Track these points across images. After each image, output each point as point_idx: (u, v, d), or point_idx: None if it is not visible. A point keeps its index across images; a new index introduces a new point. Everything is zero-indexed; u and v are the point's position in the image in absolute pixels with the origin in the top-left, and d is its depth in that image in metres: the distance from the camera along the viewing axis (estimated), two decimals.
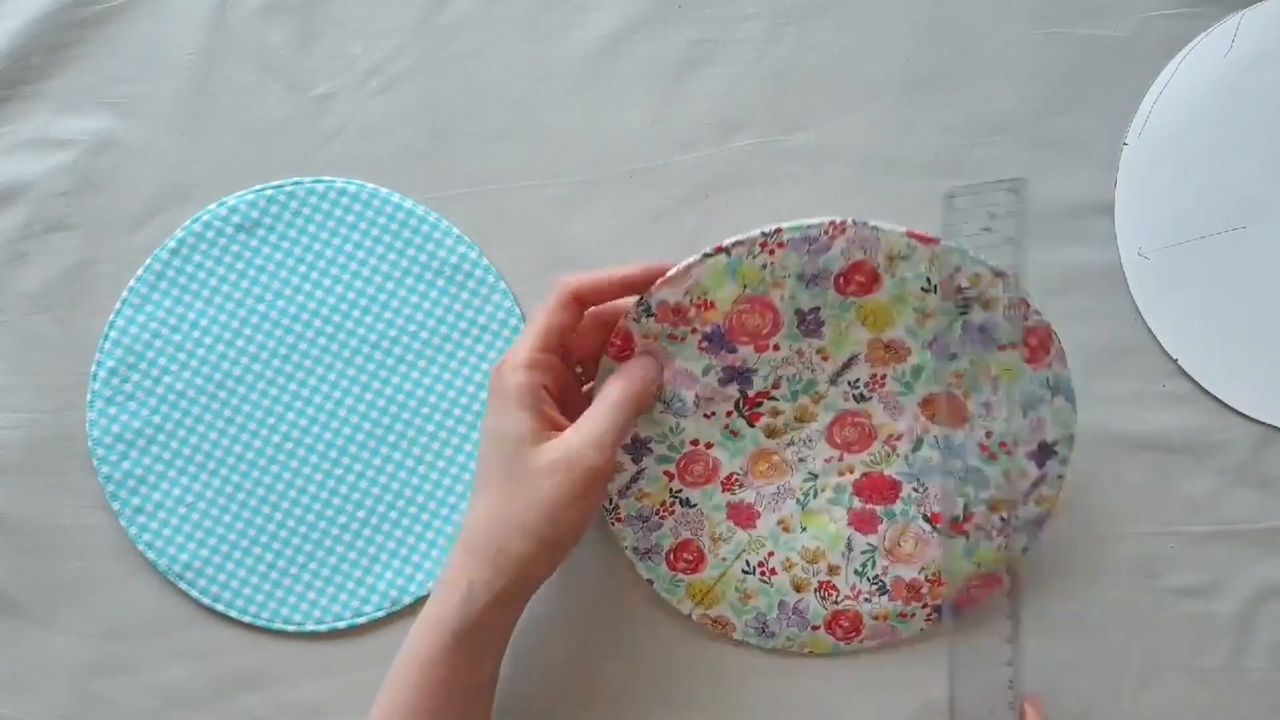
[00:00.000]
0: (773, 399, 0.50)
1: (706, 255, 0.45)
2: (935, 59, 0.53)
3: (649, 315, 0.46)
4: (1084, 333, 0.52)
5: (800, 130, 0.53)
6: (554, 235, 0.54)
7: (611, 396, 0.45)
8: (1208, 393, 0.51)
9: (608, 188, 0.54)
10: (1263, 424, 0.51)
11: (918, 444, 0.50)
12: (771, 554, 0.51)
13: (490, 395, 0.45)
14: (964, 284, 0.46)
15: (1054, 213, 0.52)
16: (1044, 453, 0.48)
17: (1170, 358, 0.52)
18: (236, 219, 0.54)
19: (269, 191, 0.54)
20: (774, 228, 0.45)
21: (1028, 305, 0.46)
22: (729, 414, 0.50)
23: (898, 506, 0.51)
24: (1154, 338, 0.52)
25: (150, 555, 0.54)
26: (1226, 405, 0.51)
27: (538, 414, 0.44)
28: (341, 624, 0.53)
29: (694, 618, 0.52)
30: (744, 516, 0.51)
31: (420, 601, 0.53)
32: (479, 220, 0.54)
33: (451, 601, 0.44)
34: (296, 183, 0.54)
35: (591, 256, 0.54)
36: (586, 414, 0.45)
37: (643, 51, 0.54)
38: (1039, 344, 0.47)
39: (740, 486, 0.51)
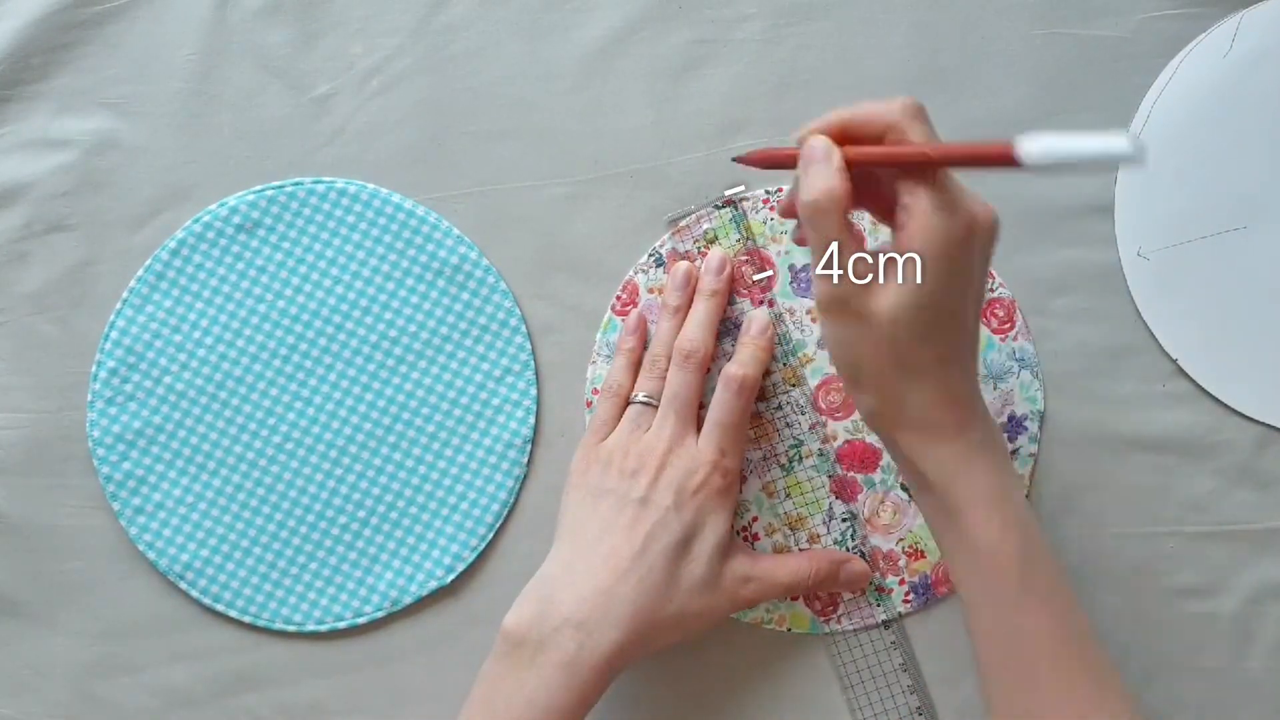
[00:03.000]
0: None
1: (716, 207, 0.51)
2: (935, 59, 0.53)
3: (658, 265, 0.52)
4: (1084, 333, 0.52)
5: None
6: (554, 235, 0.54)
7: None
8: (1207, 393, 0.51)
9: (608, 188, 0.54)
10: (1262, 424, 0.51)
11: None
12: (755, 519, 0.52)
13: (718, 494, 0.48)
14: None
15: (1053, 213, 0.52)
16: (1015, 427, 0.51)
17: (1170, 358, 0.52)
18: (237, 219, 0.54)
19: (269, 192, 0.54)
20: (776, 187, 0.52)
21: (993, 276, 0.51)
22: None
23: (877, 475, 0.52)
24: (1154, 338, 0.52)
25: (150, 555, 0.54)
26: (1226, 405, 0.51)
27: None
28: (341, 624, 0.53)
29: None
30: None
31: (421, 602, 0.53)
32: (479, 220, 0.54)
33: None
34: (297, 183, 0.54)
35: (592, 256, 0.54)
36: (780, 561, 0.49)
37: (643, 51, 0.54)
38: (1006, 315, 0.51)
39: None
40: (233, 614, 0.53)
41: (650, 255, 0.52)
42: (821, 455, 0.52)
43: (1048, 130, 0.34)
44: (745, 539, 0.52)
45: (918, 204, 0.37)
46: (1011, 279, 0.52)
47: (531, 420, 0.53)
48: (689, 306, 0.51)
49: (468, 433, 0.53)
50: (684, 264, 0.51)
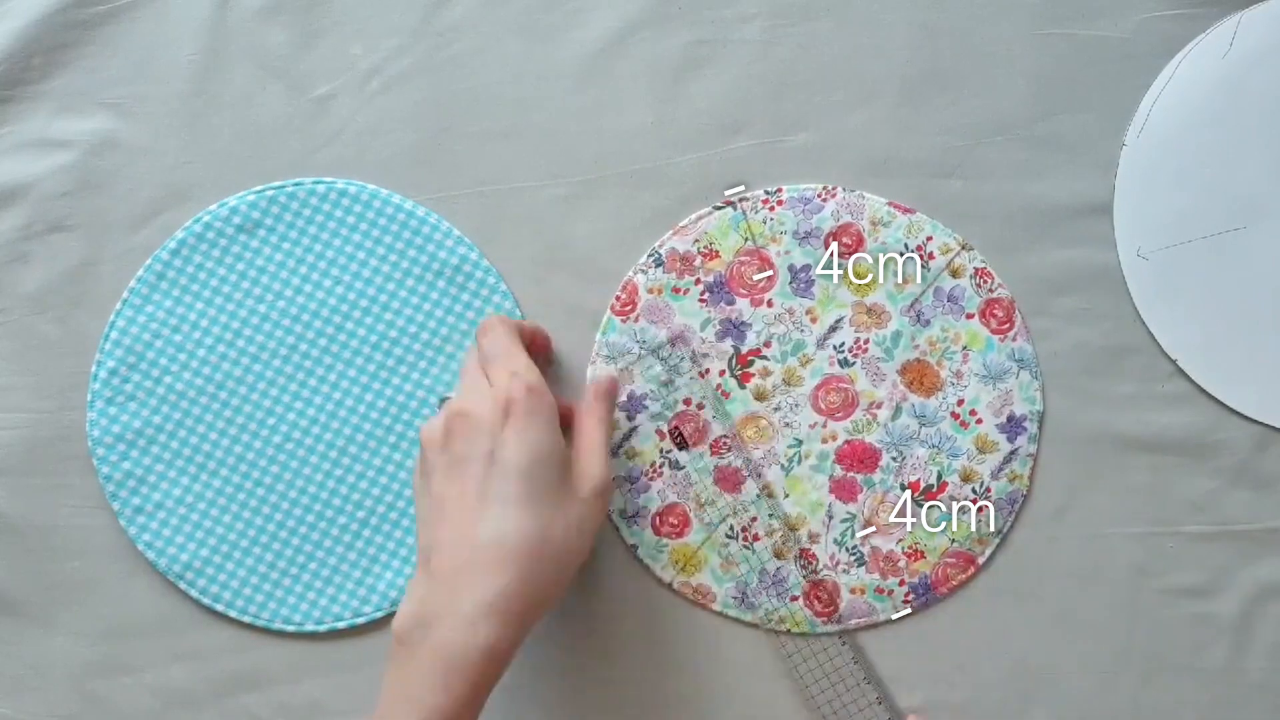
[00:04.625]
0: (763, 358, 0.52)
1: (716, 208, 0.52)
2: (935, 59, 0.53)
3: (658, 265, 0.52)
4: (1083, 333, 0.52)
5: (800, 130, 0.53)
6: (554, 235, 0.54)
7: (602, 415, 0.48)
8: (1207, 393, 0.52)
9: (608, 188, 0.54)
10: (1262, 424, 0.51)
11: (896, 412, 0.52)
12: (755, 519, 0.52)
13: (524, 414, 0.44)
14: (935, 251, 0.52)
15: (1053, 213, 0.52)
16: (1014, 426, 0.51)
17: (1169, 358, 0.52)
18: (237, 220, 0.54)
19: (269, 192, 0.54)
20: (775, 187, 0.52)
21: (991, 276, 0.52)
22: (721, 373, 0.52)
23: (877, 475, 0.52)
24: (1153, 338, 0.52)
25: (150, 555, 0.54)
26: (1226, 405, 0.51)
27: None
28: (341, 624, 0.53)
29: (675, 586, 0.52)
30: (730, 481, 0.52)
31: None
32: (479, 220, 0.54)
33: (463, 668, 0.41)
34: (297, 183, 0.54)
35: (591, 256, 0.54)
36: (591, 434, 0.47)
37: (643, 52, 0.54)
38: (1005, 315, 0.52)
39: (728, 450, 0.52)
40: (233, 614, 0.53)
41: (650, 255, 0.52)
42: (821, 456, 0.52)
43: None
44: (745, 539, 0.52)
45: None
46: (1011, 279, 0.52)
47: None
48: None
49: None
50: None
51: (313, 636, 0.53)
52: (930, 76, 0.53)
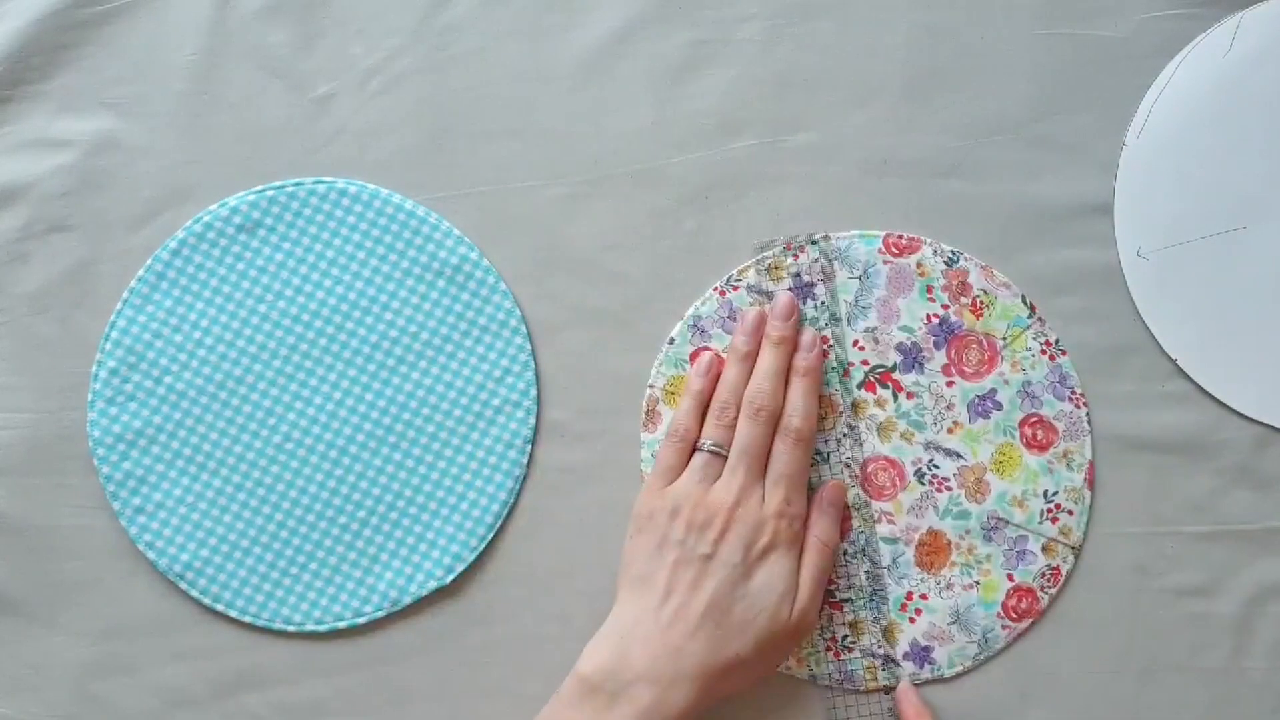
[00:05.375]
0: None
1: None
2: (935, 59, 0.53)
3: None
4: (1083, 333, 0.52)
5: (800, 130, 0.53)
6: (554, 235, 0.54)
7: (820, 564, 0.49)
8: (1207, 393, 0.51)
9: (608, 188, 0.54)
10: (1262, 424, 0.51)
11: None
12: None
13: (783, 549, 0.48)
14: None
15: (1053, 213, 0.52)
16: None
17: (1169, 358, 0.52)
18: (237, 220, 0.54)
19: (270, 192, 0.54)
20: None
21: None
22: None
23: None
24: (1153, 338, 0.52)
25: (150, 555, 0.54)
26: (1226, 405, 0.51)
27: None
28: (341, 624, 0.53)
29: None
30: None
31: (420, 602, 0.53)
32: (479, 220, 0.54)
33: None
34: (297, 183, 0.54)
35: (591, 257, 0.54)
36: (811, 565, 0.49)
37: (643, 51, 0.54)
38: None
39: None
40: (233, 614, 0.53)
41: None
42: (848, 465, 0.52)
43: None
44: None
45: None
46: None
47: (531, 420, 0.53)
48: (757, 352, 0.51)
49: (468, 433, 0.53)
50: (754, 309, 0.52)
51: (313, 636, 0.53)
52: (930, 76, 0.53)
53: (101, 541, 0.54)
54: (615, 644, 0.46)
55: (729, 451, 0.49)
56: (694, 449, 0.50)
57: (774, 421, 0.49)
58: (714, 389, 0.51)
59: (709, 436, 0.50)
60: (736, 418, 0.50)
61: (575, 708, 0.46)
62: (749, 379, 0.50)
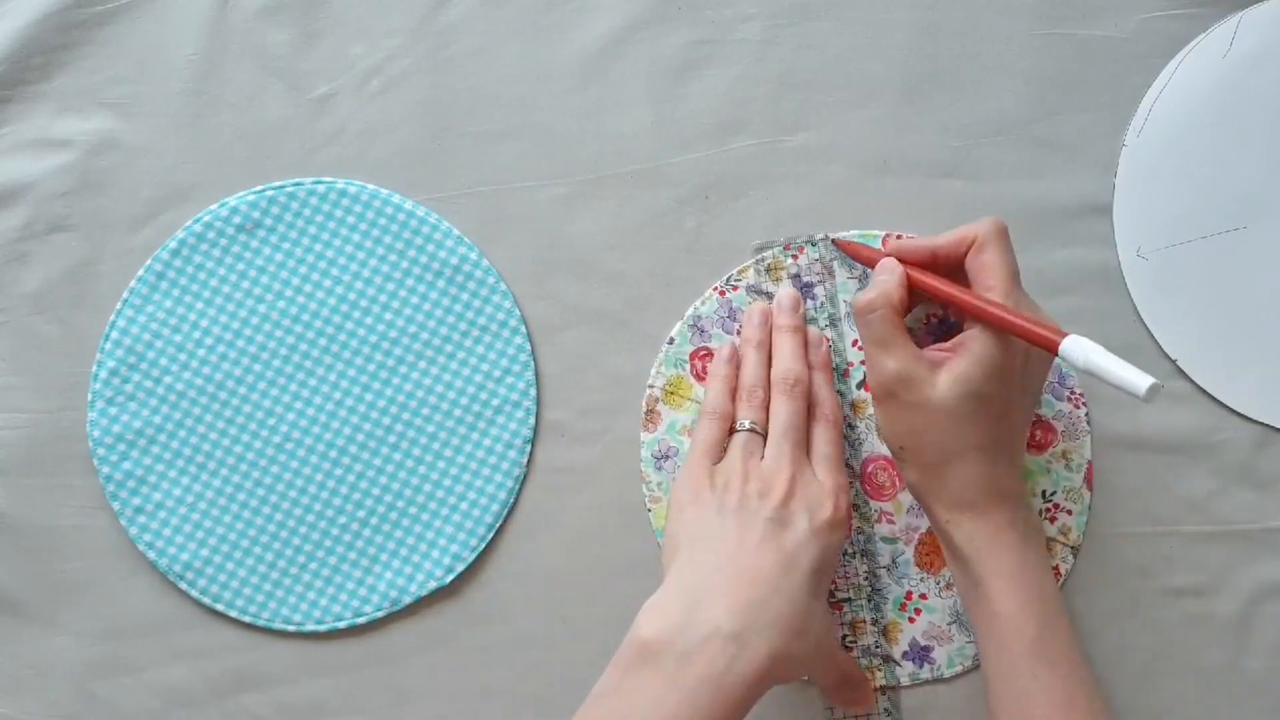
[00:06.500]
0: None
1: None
2: (935, 59, 0.53)
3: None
4: (1083, 333, 0.52)
5: (800, 130, 0.53)
6: (554, 235, 0.54)
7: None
8: (1207, 393, 0.51)
9: (608, 188, 0.54)
10: (1262, 424, 0.51)
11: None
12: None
13: (839, 522, 0.46)
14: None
15: (1053, 213, 0.52)
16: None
17: (1169, 358, 0.52)
18: (237, 220, 0.54)
19: (269, 192, 0.54)
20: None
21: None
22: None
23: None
24: (1153, 338, 0.52)
25: (150, 555, 0.54)
26: (1225, 405, 0.51)
27: None
28: (341, 624, 0.53)
29: None
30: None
31: (420, 602, 0.53)
32: (479, 220, 0.54)
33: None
34: (297, 183, 0.54)
35: (591, 257, 0.54)
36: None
37: (643, 51, 0.54)
38: None
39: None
40: (233, 614, 0.53)
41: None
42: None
43: (1098, 343, 0.42)
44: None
45: (978, 337, 0.44)
46: None
47: (531, 420, 0.53)
48: (768, 340, 0.51)
49: (467, 433, 0.53)
50: (758, 304, 0.52)
51: (313, 636, 0.53)
52: (930, 76, 0.53)
53: (101, 541, 0.54)
54: (684, 602, 0.43)
55: (765, 430, 0.49)
56: (731, 429, 0.49)
57: (807, 396, 0.49)
58: (738, 375, 0.51)
59: (746, 416, 0.49)
60: (765, 399, 0.49)
61: (631, 675, 0.42)
62: (767, 366, 0.50)
